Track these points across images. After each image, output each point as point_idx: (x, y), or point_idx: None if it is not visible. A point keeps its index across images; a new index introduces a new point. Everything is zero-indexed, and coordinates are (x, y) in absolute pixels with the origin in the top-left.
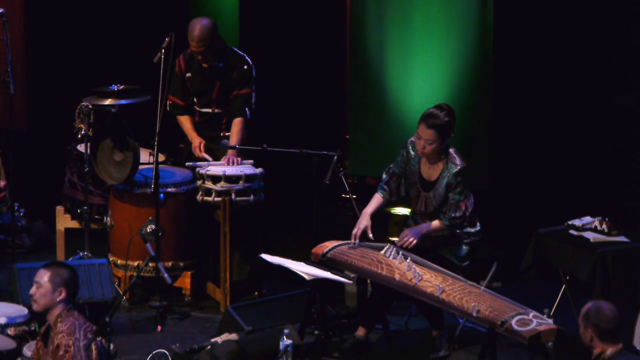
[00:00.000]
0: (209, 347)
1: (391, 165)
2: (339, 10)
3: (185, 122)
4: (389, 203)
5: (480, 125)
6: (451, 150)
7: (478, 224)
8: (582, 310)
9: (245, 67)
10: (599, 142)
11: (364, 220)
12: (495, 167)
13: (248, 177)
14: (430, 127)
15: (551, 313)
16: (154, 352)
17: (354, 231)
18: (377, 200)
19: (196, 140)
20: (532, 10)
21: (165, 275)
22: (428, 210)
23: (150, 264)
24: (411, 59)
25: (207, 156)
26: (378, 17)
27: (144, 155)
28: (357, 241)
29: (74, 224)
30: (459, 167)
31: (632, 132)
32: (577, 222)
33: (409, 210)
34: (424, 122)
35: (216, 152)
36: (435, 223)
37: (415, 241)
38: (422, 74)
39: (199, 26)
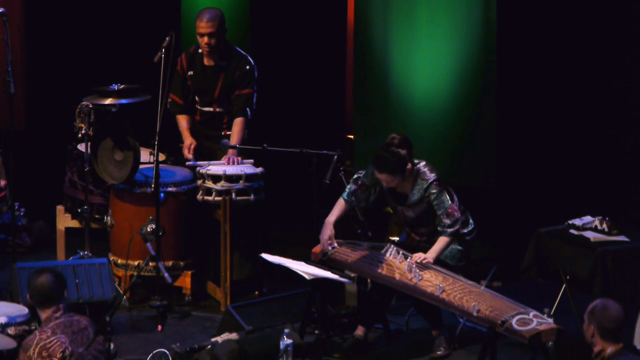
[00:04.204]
0: (209, 346)
1: (360, 175)
2: (339, 10)
3: (182, 121)
4: (353, 209)
5: (483, 124)
6: (420, 166)
7: (471, 222)
8: (589, 306)
9: (248, 67)
10: (600, 141)
11: (328, 230)
12: (497, 165)
13: (248, 177)
14: (382, 171)
15: (551, 312)
16: (154, 352)
17: (322, 244)
18: (340, 206)
19: (187, 141)
20: (535, 8)
21: (166, 274)
22: (407, 221)
23: (150, 264)
24: (415, 56)
25: (190, 162)
26: (382, 15)
27: (145, 155)
28: (329, 249)
29: (74, 224)
30: (428, 182)
31: (633, 132)
32: (577, 222)
33: None
34: (375, 168)
35: (217, 151)
36: (441, 239)
37: (428, 259)
38: (426, 72)
39: (210, 10)
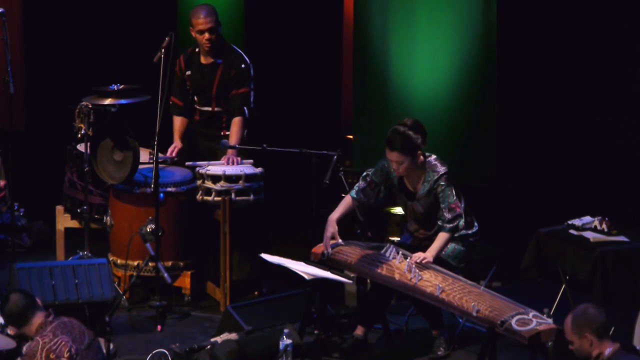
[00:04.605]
0: (208, 346)
1: (369, 173)
2: (336, 10)
3: (176, 122)
4: (360, 207)
5: (483, 124)
6: (431, 159)
7: (476, 224)
8: (567, 325)
9: (243, 65)
10: (600, 141)
11: (331, 228)
12: (497, 165)
13: (248, 177)
14: (393, 149)
15: (551, 313)
16: (153, 352)
17: (325, 243)
18: (346, 204)
19: (174, 143)
20: (535, 8)
21: (165, 274)
22: (416, 217)
23: (150, 264)
24: (415, 57)
25: (168, 157)
26: (382, 15)
27: (144, 155)
28: (330, 250)
29: (73, 224)
30: (439, 174)
31: (633, 132)
32: (577, 222)
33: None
34: (387, 146)
35: (217, 151)
36: (440, 236)
37: (427, 259)
38: (425, 72)
39: (204, 6)
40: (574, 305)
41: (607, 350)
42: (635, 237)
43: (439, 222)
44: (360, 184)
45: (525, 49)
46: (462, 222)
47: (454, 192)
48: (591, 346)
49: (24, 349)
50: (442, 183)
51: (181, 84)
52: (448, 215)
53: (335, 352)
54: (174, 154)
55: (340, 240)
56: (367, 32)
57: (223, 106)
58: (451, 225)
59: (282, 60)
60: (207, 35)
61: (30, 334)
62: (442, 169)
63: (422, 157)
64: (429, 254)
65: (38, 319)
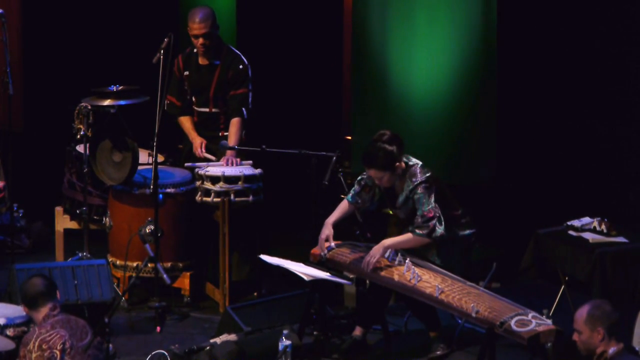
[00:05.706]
0: (208, 347)
1: (363, 177)
2: (336, 10)
3: (185, 122)
4: (357, 210)
5: (483, 124)
6: (414, 167)
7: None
8: (582, 315)
9: (241, 66)
10: (599, 142)
11: (327, 230)
12: (497, 165)
13: (247, 178)
14: (370, 167)
15: (550, 313)
16: (153, 353)
17: (320, 245)
18: (343, 208)
19: (197, 140)
20: (535, 8)
21: (165, 275)
22: (401, 222)
23: (149, 265)
24: (414, 57)
25: (209, 156)
26: (381, 15)
27: (143, 156)
28: (326, 252)
29: (73, 225)
30: (415, 183)
31: (632, 132)
32: (576, 223)
33: None
34: (363, 163)
35: (216, 152)
36: (406, 236)
37: (374, 260)
38: (425, 72)
39: (200, 10)
40: (574, 306)
41: (611, 350)
42: (634, 238)
43: (409, 228)
44: (356, 187)
45: (525, 49)
46: (437, 225)
47: (430, 200)
48: (601, 341)
49: (23, 337)
50: (419, 192)
51: (179, 84)
52: (419, 220)
53: (334, 353)
54: (204, 151)
55: (333, 244)
56: (365, 32)
57: (221, 107)
58: (420, 231)
59: (281, 60)
60: (201, 40)
61: (37, 320)
62: (420, 178)
63: (403, 166)
64: (387, 241)
65: (46, 308)
